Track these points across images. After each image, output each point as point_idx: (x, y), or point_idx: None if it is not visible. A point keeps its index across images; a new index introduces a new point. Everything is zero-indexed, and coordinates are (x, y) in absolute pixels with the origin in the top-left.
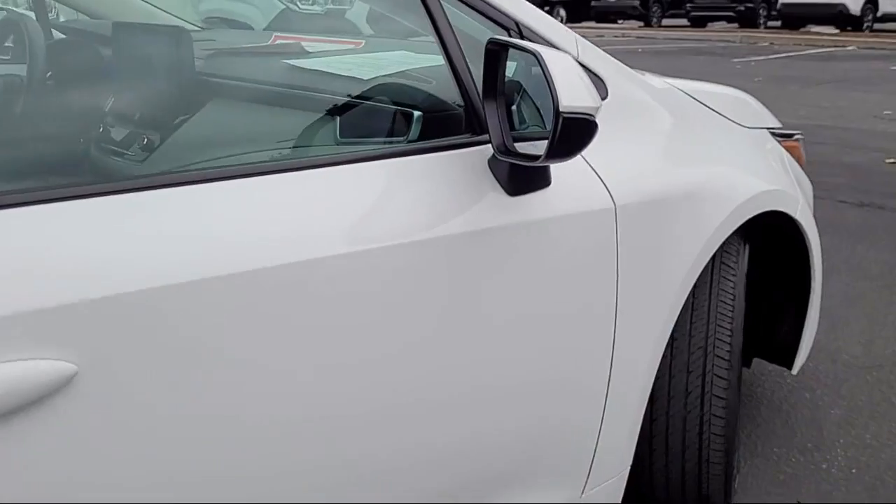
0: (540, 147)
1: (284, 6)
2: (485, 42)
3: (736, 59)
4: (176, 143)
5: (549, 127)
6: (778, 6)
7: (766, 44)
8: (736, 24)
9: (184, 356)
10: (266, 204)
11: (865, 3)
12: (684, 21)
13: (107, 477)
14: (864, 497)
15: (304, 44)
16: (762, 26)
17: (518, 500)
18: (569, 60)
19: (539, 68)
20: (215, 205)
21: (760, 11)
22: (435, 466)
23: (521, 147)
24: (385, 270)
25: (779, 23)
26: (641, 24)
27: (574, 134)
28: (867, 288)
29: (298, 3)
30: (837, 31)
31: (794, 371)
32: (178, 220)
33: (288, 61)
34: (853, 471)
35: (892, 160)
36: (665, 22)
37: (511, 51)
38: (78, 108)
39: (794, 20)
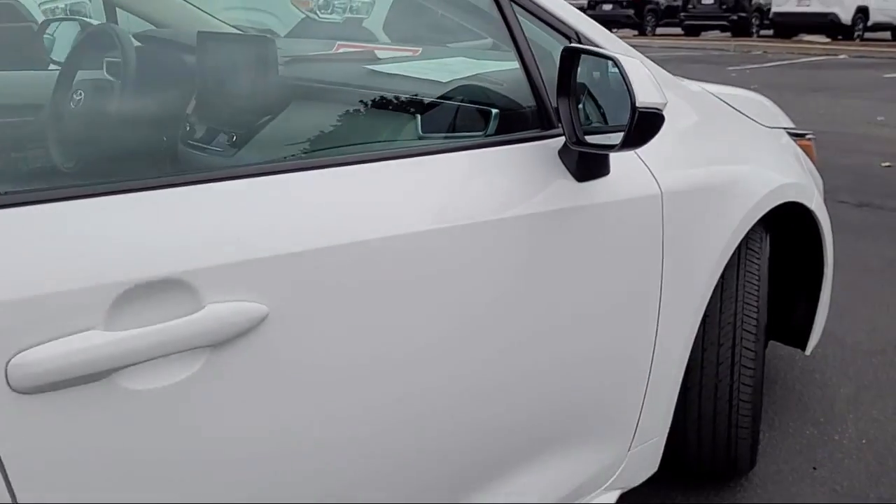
0: (605, 138)
1: (304, 15)
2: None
3: (731, 68)
4: (289, 137)
5: (624, 120)
6: (770, 15)
7: (759, 52)
8: (729, 33)
9: (341, 307)
10: (375, 186)
11: (856, 13)
12: (678, 30)
13: (288, 403)
14: (874, 466)
15: (374, 52)
16: (755, 35)
17: (577, 452)
18: (640, 64)
19: (615, 71)
20: (340, 185)
21: (753, 20)
22: (520, 421)
23: (590, 139)
24: (471, 244)
25: (771, 31)
26: (636, 32)
27: (646, 126)
28: (869, 281)
29: (318, 12)
30: (829, 39)
31: (808, 351)
32: (320, 195)
33: (367, 66)
34: (863, 441)
35: (887, 163)
36: (659, 31)
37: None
38: (222, 109)
39: (787, 29)
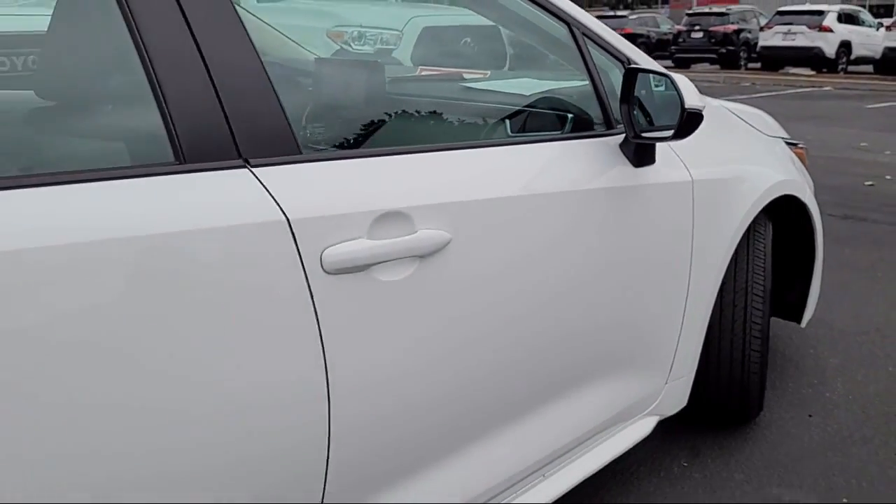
0: (656, 134)
1: (339, 47)
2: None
3: (722, 98)
4: (421, 133)
5: (666, 123)
6: (758, 49)
7: (748, 84)
8: (718, 66)
9: (497, 238)
10: (484, 163)
11: (840, 47)
12: (669, 62)
13: (467, 302)
14: (859, 414)
15: (450, 73)
16: (743, 68)
17: (629, 379)
18: (685, 79)
19: (659, 88)
20: (463, 162)
21: (741, 54)
22: (593, 350)
23: (646, 134)
24: (560, 206)
25: (759, 64)
26: None
27: (692, 122)
28: (854, 278)
29: (352, 44)
30: (814, 72)
31: (803, 324)
32: (474, 165)
33: (458, 83)
34: (850, 397)
35: (870, 182)
36: None
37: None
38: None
39: (774, 62)
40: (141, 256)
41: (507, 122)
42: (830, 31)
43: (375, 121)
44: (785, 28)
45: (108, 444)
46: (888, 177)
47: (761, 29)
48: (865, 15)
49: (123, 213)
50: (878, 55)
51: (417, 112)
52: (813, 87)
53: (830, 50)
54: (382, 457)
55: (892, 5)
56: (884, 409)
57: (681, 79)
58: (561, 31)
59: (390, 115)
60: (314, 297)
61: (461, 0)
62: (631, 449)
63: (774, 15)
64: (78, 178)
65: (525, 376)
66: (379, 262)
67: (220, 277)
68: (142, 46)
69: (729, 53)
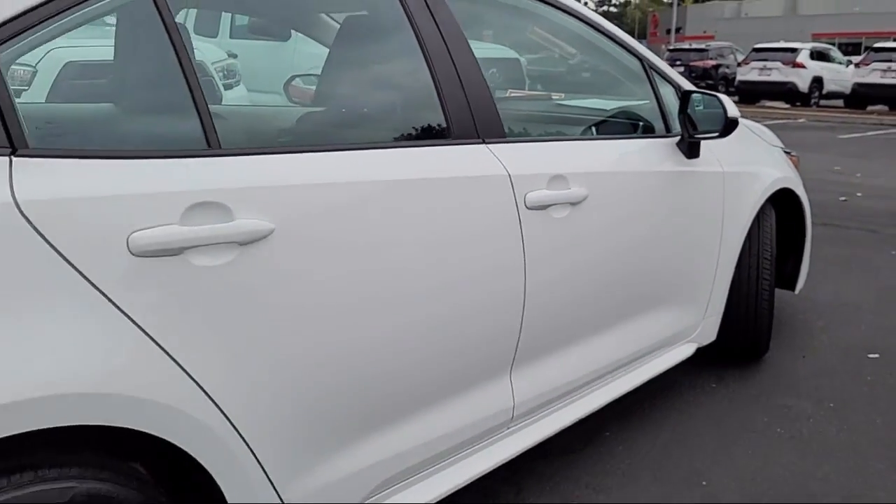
0: (704, 135)
1: None
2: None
3: None
4: (552, 128)
5: (710, 129)
6: (735, 83)
7: None
8: None
9: (593, 206)
10: (599, 149)
11: (812, 82)
12: None
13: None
14: (840, 354)
15: (547, 95)
16: None
17: (678, 311)
18: (727, 98)
19: (700, 107)
20: (587, 148)
21: (720, 88)
22: (653, 288)
23: (697, 135)
24: (636, 182)
25: (736, 98)
26: None
27: (731, 126)
28: (833, 269)
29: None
30: (788, 105)
31: (796, 291)
32: (585, 151)
33: (554, 101)
34: (832, 346)
35: (844, 198)
36: None
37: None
38: None
39: (750, 95)
40: (428, 189)
41: (598, 126)
42: (804, 67)
43: (530, 116)
44: (761, 64)
45: (399, 318)
46: (859, 194)
47: (739, 64)
48: (835, 52)
49: (426, 164)
50: (847, 90)
51: (547, 114)
52: (788, 118)
53: (804, 85)
54: (543, 339)
55: (860, 44)
56: (858, 354)
57: (724, 97)
58: (636, 63)
59: (533, 114)
60: (522, 225)
61: (559, 33)
62: (672, 372)
63: (751, 51)
64: (411, 145)
65: (618, 300)
66: (552, 205)
67: (471, 205)
68: (432, 69)
69: (709, 87)
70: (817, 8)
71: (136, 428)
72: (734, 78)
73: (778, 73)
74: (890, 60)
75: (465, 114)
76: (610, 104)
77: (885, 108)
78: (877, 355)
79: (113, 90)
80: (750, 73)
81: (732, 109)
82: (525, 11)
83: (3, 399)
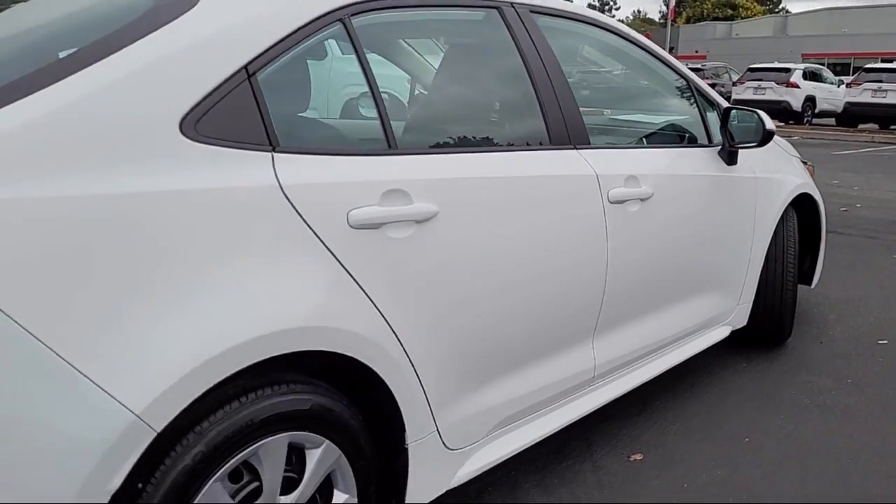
0: (742, 146)
1: None
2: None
3: None
4: (614, 138)
5: (747, 140)
6: (731, 102)
7: None
8: None
9: (664, 202)
10: (660, 156)
11: (805, 101)
12: None
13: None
14: (850, 334)
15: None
16: None
17: (719, 297)
18: (764, 113)
19: (753, 117)
20: (649, 154)
21: None
22: (699, 277)
23: (736, 145)
24: (693, 184)
25: None
26: None
27: (768, 137)
28: (840, 270)
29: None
30: (783, 123)
31: (813, 285)
32: (647, 157)
33: (609, 116)
34: (845, 334)
35: (844, 209)
36: None
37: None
38: None
39: None
40: (543, 182)
41: (653, 137)
42: (797, 86)
43: (603, 128)
44: (755, 83)
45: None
46: (858, 205)
47: (734, 84)
48: (827, 73)
49: (539, 164)
50: (839, 109)
51: (615, 126)
52: (783, 136)
53: (797, 104)
54: (617, 314)
55: (849, 64)
56: (869, 341)
57: (762, 113)
58: (684, 84)
59: (605, 126)
60: (606, 216)
61: (620, 57)
62: (706, 356)
63: (746, 71)
64: (525, 148)
65: (673, 285)
66: (627, 200)
67: (573, 196)
68: (536, 88)
69: None
70: (806, 29)
71: (348, 353)
72: (729, 97)
73: (772, 92)
74: (881, 81)
75: (560, 125)
76: (660, 118)
77: (876, 126)
78: (886, 341)
79: (330, 104)
80: (745, 93)
81: (769, 123)
82: (602, 41)
83: (275, 328)
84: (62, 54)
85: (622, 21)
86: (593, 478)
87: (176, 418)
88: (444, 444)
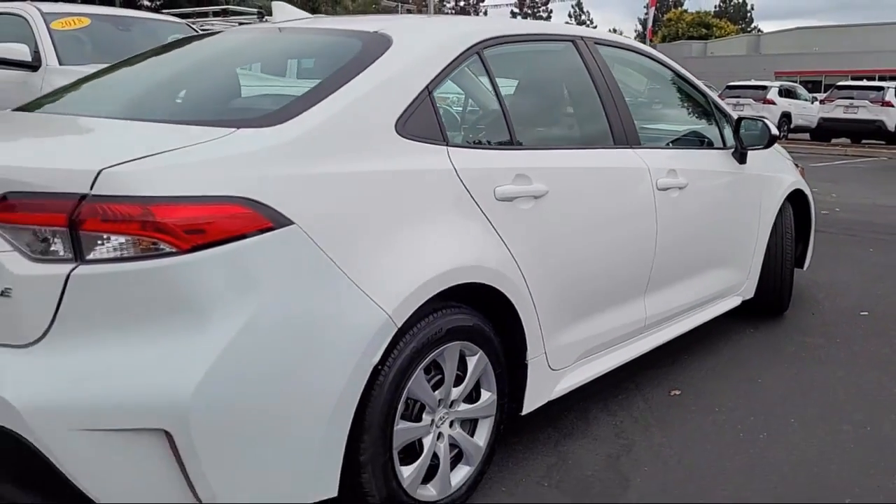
0: (754, 147)
1: None
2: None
3: None
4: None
5: (760, 140)
6: None
7: None
8: None
9: (685, 198)
10: (686, 156)
11: (781, 117)
12: None
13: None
14: (839, 307)
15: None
16: None
17: (731, 272)
18: (770, 121)
19: (759, 124)
20: (677, 154)
21: None
22: (715, 255)
23: (747, 147)
24: (710, 180)
25: None
26: None
27: (773, 140)
28: (826, 262)
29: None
30: None
31: (805, 268)
32: (676, 156)
33: (653, 124)
34: (832, 309)
35: (825, 212)
36: None
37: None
38: None
39: None
40: (616, 172)
41: (681, 140)
42: (773, 103)
43: (646, 133)
44: (734, 101)
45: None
46: (837, 209)
47: None
48: (801, 90)
49: (609, 158)
50: (813, 125)
51: (654, 131)
52: None
53: (773, 119)
54: (661, 278)
55: (820, 81)
56: (853, 312)
57: (768, 120)
58: (703, 99)
59: (646, 131)
60: (655, 200)
61: (657, 78)
62: (719, 324)
63: (725, 89)
64: (598, 147)
65: (700, 258)
66: (670, 188)
67: (634, 183)
68: (602, 101)
69: None
70: (779, 48)
71: (489, 283)
72: None
73: (750, 109)
74: (852, 98)
75: (620, 129)
76: (686, 126)
77: (848, 140)
78: (866, 313)
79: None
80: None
81: (774, 129)
82: (644, 66)
83: (458, 264)
84: (313, 83)
85: None
86: (644, 405)
87: (406, 320)
88: (548, 364)
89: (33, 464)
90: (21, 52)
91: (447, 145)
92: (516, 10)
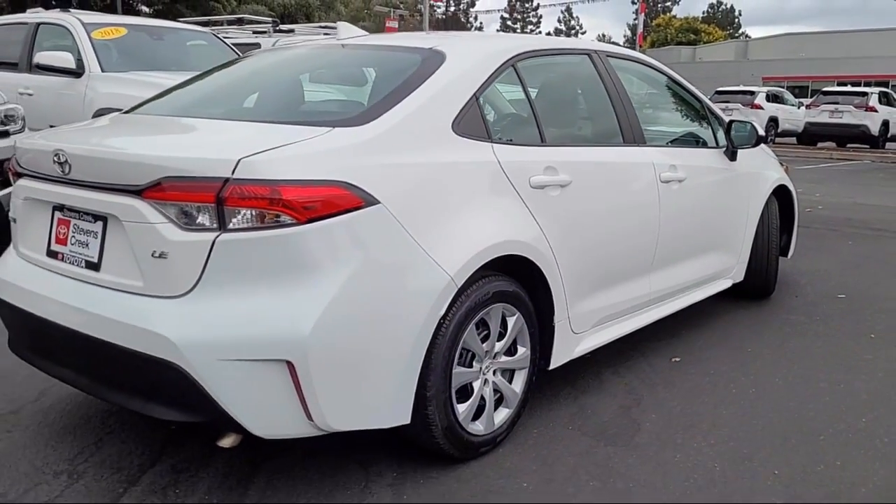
0: (743, 146)
1: None
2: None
3: None
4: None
5: (749, 141)
6: None
7: None
8: None
9: (687, 189)
10: (684, 154)
11: (768, 122)
12: None
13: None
14: (821, 297)
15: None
16: None
17: (724, 256)
18: (757, 123)
19: (747, 126)
20: (676, 152)
21: None
22: (712, 240)
23: (737, 146)
24: (705, 176)
25: None
26: None
27: (760, 140)
28: (809, 252)
29: None
30: None
31: (789, 256)
32: (676, 154)
33: (655, 125)
34: (815, 292)
35: (809, 209)
36: None
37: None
38: None
39: None
40: (627, 167)
41: (679, 140)
42: (761, 108)
43: (650, 134)
44: (723, 105)
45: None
46: (820, 207)
47: None
48: (788, 95)
49: (622, 154)
50: (800, 129)
51: (655, 132)
52: None
53: (761, 124)
54: (663, 258)
55: (807, 87)
56: (832, 295)
57: (756, 123)
58: (698, 104)
59: (649, 131)
60: (659, 191)
61: (658, 86)
62: (711, 304)
63: (714, 94)
64: (612, 144)
65: (697, 243)
66: (671, 181)
67: (641, 176)
68: (615, 106)
69: None
70: (766, 54)
71: (526, 255)
72: None
73: (739, 113)
74: (837, 103)
75: (628, 129)
76: (684, 127)
77: (833, 144)
78: (843, 296)
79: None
80: None
81: (761, 130)
82: (648, 75)
83: (502, 238)
84: (387, 91)
85: None
86: (650, 369)
87: (464, 283)
88: (571, 328)
89: (189, 390)
90: (66, 59)
91: (492, 142)
92: (506, 16)
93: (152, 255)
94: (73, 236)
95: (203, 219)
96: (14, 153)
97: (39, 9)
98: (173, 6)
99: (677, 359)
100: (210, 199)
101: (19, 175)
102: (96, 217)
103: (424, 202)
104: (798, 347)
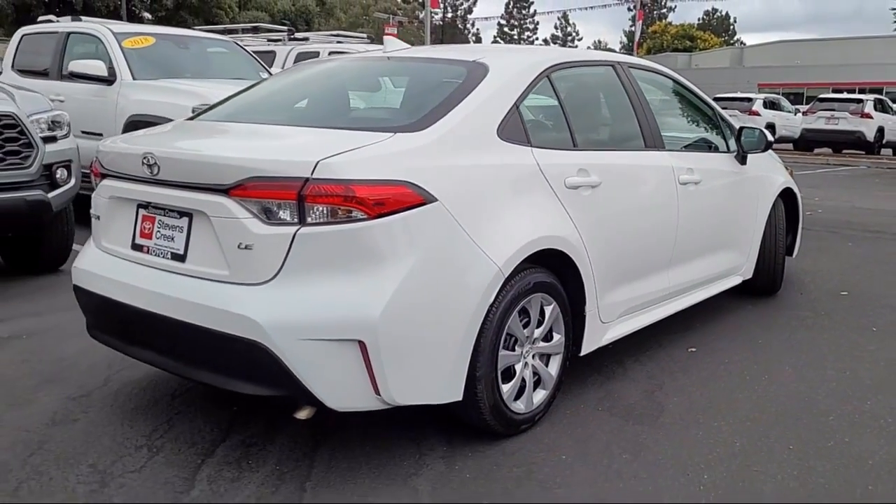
0: (753, 151)
1: None
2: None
3: None
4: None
5: (758, 146)
6: None
7: None
8: None
9: (700, 190)
10: (699, 158)
11: (766, 128)
12: None
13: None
14: (823, 292)
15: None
16: None
17: (734, 254)
18: (766, 130)
19: (756, 132)
20: (692, 157)
21: None
22: (722, 240)
23: (747, 152)
24: (718, 179)
25: None
26: None
27: (769, 145)
28: (809, 253)
29: None
30: None
31: (793, 256)
32: (692, 158)
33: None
34: (818, 288)
35: (809, 212)
36: None
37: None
38: None
39: None
40: (651, 169)
41: (692, 145)
42: (758, 114)
43: (668, 139)
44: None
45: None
46: (820, 210)
47: None
48: (784, 102)
49: (644, 158)
50: (796, 135)
51: (672, 138)
52: None
53: None
54: (681, 255)
55: (802, 93)
56: (835, 293)
57: (765, 130)
58: (710, 111)
59: (667, 137)
60: (677, 192)
61: (671, 93)
62: (721, 301)
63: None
64: (635, 149)
65: (710, 241)
66: (688, 183)
67: (662, 179)
68: (637, 114)
69: None
70: (762, 61)
71: (562, 249)
72: None
73: (736, 119)
74: (833, 109)
75: (650, 135)
76: (697, 134)
77: (829, 150)
78: (846, 293)
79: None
80: None
81: (770, 136)
82: (666, 85)
83: (543, 234)
84: (439, 100)
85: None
86: (668, 359)
87: (510, 273)
88: (600, 317)
89: (272, 367)
90: (98, 67)
91: (531, 146)
92: (503, 23)
93: (238, 247)
94: (159, 231)
95: (284, 214)
96: (67, 156)
97: (51, 17)
98: (176, 13)
99: (693, 349)
100: (292, 197)
101: (103, 176)
102: (182, 213)
103: (475, 200)
104: (805, 339)
